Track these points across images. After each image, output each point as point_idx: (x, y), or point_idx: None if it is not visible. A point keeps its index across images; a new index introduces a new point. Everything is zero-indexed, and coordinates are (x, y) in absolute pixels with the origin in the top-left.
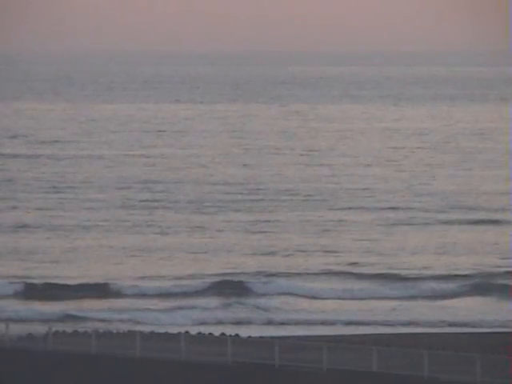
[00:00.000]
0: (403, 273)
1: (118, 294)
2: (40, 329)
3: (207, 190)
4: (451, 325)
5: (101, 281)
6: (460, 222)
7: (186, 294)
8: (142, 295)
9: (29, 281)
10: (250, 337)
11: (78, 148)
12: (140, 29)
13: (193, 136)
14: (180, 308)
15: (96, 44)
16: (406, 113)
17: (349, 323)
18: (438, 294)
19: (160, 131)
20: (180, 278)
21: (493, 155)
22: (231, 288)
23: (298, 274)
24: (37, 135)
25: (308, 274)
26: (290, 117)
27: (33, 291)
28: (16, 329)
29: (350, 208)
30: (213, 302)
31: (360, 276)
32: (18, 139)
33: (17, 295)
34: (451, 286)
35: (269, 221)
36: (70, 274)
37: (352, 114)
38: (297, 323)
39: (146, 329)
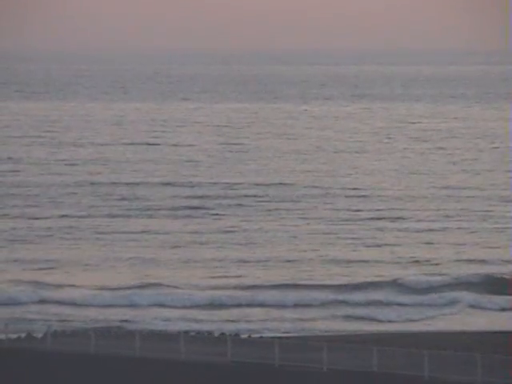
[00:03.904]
0: None
1: None
2: (39, 329)
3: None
4: None
5: None
6: None
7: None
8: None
9: None
10: (249, 337)
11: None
12: (139, 27)
13: (190, 135)
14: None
15: (96, 43)
16: (406, 112)
17: None
18: None
19: (155, 132)
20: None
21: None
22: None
23: None
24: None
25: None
26: (295, 116)
27: None
28: (15, 329)
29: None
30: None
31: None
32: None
33: None
34: None
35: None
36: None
37: (352, 113)
38: None
39: None
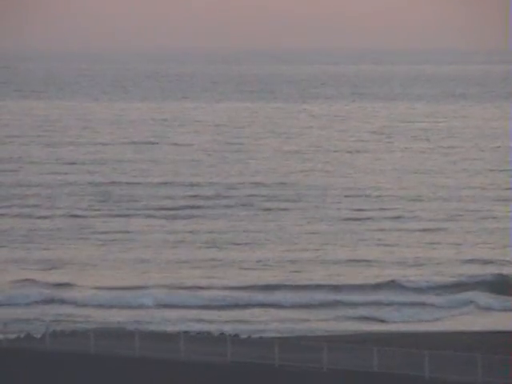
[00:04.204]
0: None
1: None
2: (38, 328)
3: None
4: None
5: None
6: None
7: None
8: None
9: None
10: (249, 337)
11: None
12: (141, 27)
13: (190, 134)
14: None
15: (98, 43)
16: (406, 111)
17: None
18: None
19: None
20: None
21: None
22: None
23: None
24: None
25: None
26: (295, 115)
27: None
28: (14, 329)
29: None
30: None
31: None
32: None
33: None
34: None
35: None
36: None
37: (352, 112)
38: None
39: None
